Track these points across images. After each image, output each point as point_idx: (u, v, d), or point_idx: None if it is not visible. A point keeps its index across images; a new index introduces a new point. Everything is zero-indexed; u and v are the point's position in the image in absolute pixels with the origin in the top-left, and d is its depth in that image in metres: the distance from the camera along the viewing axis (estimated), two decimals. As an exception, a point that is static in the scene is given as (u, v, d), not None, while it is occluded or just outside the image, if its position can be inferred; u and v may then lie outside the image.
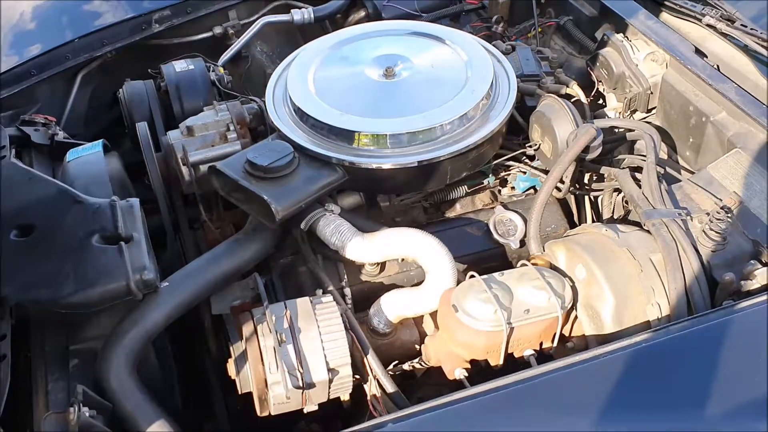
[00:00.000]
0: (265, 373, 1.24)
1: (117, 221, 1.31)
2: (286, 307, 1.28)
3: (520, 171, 1.66)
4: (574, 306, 1.27)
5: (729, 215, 1.28)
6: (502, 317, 1.20)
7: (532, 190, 1.67)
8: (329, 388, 1.26)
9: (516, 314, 1.21)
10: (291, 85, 1.55)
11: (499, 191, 1.69)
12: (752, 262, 1.23)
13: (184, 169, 1.55)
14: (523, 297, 1.23)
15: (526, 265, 1.30)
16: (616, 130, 1.62)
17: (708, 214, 1.28)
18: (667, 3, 1.74)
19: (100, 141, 1.60)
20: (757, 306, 1.12)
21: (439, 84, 1.55)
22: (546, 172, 1.58)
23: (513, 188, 1.68)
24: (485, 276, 1.27)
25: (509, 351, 1.23)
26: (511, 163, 1.63)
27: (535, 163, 1.65)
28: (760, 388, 1.02)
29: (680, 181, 1.44)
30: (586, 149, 1.44)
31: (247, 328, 1.28)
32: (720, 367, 1.05)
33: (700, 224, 1.29)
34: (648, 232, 1.30)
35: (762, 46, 1.56)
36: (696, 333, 1.08)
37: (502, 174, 1.66)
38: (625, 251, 1.26)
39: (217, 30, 2.01)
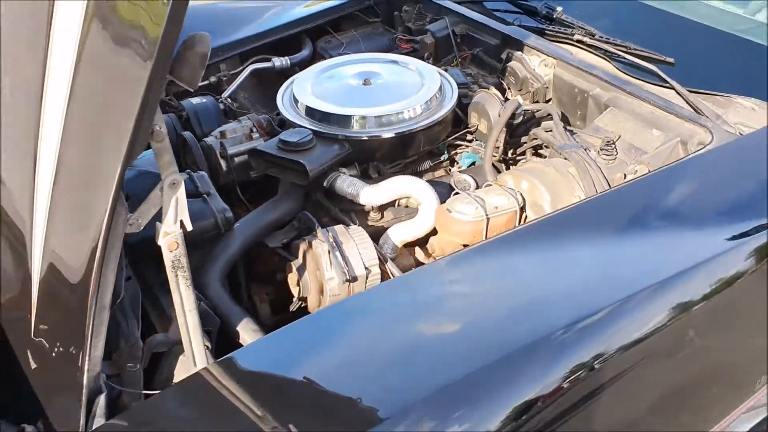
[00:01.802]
0: (322, 274, 1.73)
1: (196, 184, 1.81)
2: (328, 231, 1.80)
3: (465, 151, 2.27)
4: (524, 208, 1.87)
5: (613, 144, 1.94)
6: (482, 211, 1.77)
7: (473, 165, 2.28)
8: (366, 281, 1.77)
9: (489, 210, 1.79)
10: (298, 94, 2.12)
11: (450, 169, 2.29)
12: (631, 166, 1.88)
13: (222, 162, 2.06)
14: (492, 200, 1.81)
15: (490, 185, 1.90)
16: (525, 114, 2.27)
17: (600, 144, 1.94)
18: (547, 31, 2.46)
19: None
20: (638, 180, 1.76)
21: (403, 87, 2.16)
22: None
23: (460, 166, 2.28)
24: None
25: (488, 236, 1.80)
26: (458, 143, 2.25)
27: (474, 144, 2.27)
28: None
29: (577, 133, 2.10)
30: (513, 116, 2.08)
31: (303, 246, 1.78)
32: (615, 215, 1.66)
33: (595, 152, 1.94)
34: (564, 158, 1.94)
35: (617, 48, 2.28)
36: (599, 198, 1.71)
37: (452, 153, 2.27)
38: (551, 168, 1.88)
39: (212, 79, 2.56)
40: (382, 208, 2.00)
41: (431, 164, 2.21)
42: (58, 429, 1.42)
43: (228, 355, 1.46)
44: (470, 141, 2.28)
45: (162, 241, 1.29)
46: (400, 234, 1.93)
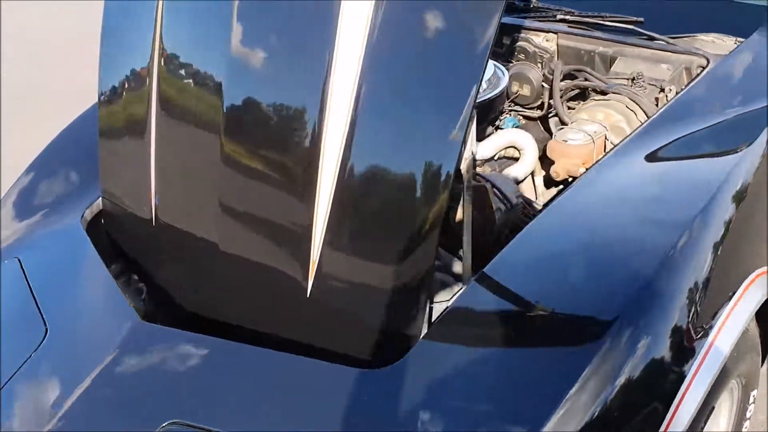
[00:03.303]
0: (489, 208, 2.13)
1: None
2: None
3: (507, 116, 2.78)
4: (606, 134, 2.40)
5: (643, 77, 2.55)
6: (588, 136, 2.28)
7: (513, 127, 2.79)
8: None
9: (591, 135, 2.30)
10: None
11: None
12: (667, 88, 2.49)
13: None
14: (587, 128, 2.33)
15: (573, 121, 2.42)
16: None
17: (629, 80, 2.54)
18: (532, 16, 3.04)
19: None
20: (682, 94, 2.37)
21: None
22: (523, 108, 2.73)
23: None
24: (564, 127, 2.37)
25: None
26: (504, 108, 2.75)
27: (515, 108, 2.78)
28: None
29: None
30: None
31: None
32: (690, 112, 2.25)
33: (631, 85, 2.54)
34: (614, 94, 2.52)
35: (595, 20, 2.91)
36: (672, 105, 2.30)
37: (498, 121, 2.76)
38: (614, 100, 2.45)
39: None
40: (484, 162, 2.44)
41: (493, 129, 2.69)
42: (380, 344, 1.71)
43: (481, 271, 1.82)
44: (510, 108, 2.79)
45: (463, 165, 1.65)
46: (512, 173, 2.38)
